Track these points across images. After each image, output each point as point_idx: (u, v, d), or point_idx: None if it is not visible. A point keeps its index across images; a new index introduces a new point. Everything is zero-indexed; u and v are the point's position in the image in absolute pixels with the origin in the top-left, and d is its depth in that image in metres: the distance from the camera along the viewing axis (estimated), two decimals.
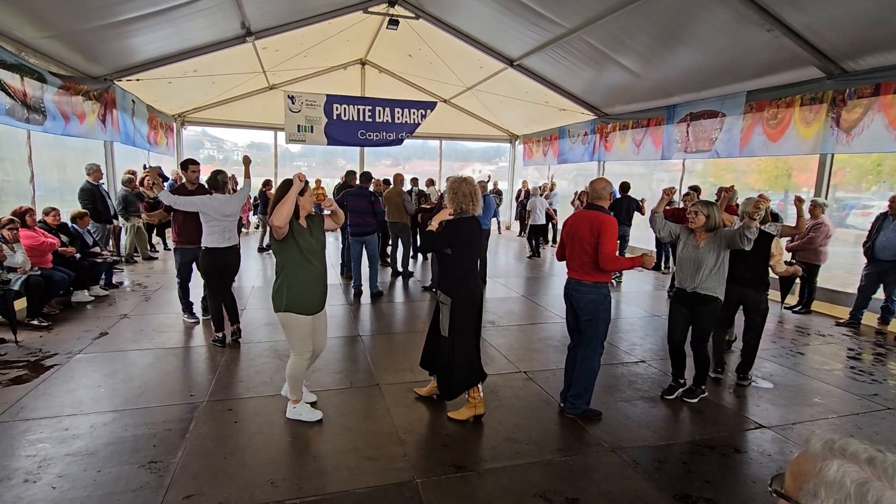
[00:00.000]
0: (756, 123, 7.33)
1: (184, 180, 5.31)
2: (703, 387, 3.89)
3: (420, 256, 10.16)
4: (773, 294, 6.91)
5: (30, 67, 5.79)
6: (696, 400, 3.84)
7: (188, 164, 5.26)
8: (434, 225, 3.34)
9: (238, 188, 6.78)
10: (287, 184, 3.12)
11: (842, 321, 6.10)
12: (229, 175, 5.79)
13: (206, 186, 5.02)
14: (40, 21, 5.70)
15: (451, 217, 3.33)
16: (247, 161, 5.21)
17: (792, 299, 6.78)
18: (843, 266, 7.49)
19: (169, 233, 11.26)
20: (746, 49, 6.56)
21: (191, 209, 4.64)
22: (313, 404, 3.57)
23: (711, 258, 3.62)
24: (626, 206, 8.37)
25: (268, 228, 7.41)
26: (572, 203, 10.48)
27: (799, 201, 4.38)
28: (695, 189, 7.18)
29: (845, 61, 6.06)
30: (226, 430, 3.25)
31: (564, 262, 3.59)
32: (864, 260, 5.89)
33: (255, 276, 8.03)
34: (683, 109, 8.69)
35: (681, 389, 3.93)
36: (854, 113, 6.03)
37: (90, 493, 2.55)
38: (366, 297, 6.84)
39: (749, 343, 4.18)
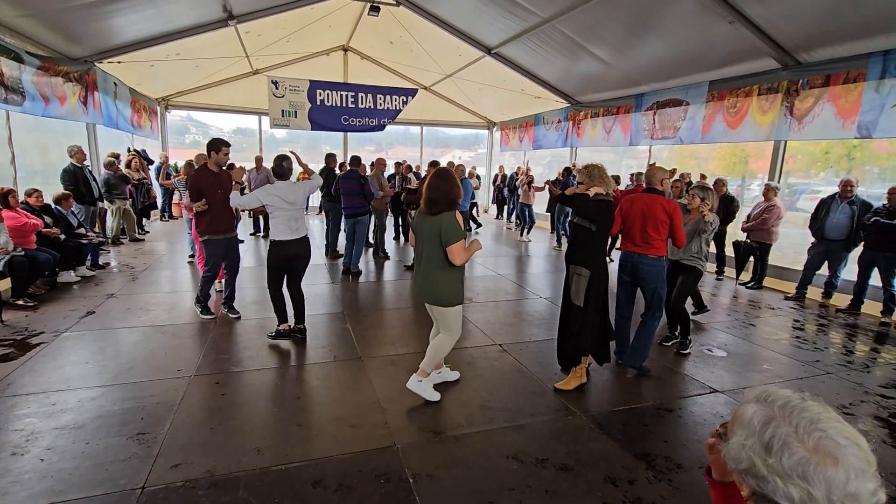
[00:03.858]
0: (717, 111, 7.41)
1: (191, 164, 5.03)
2: (689, 337, 4.29)
3: (402, 238, 10.11)
4: (729, 271, 7.12)
5: (5, 46, 5.45)
6: (687, 351, 4.25)
7: (220, 146, 4.52)
8: (593, 192, 3.33)
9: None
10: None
11: (789, 296, 6.31)
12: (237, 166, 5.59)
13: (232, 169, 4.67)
14: None
15: (602, 196, 3.36)
16: (295, 155, 4.39)
17: (746, 276, 6.98)
18: (792, 246, 7.73)
19: (153, 215, 11.00)
20: (710, 40, 6.59)
21: (258, 205, 4.10)
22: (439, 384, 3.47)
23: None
24: (569, 186, 8.73)
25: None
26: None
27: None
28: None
29: (800, 53, 6.15)
30: (213, 402, 3.20)
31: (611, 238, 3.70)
32: (812, 240, 6.08)
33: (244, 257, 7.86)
34: (651, 98, 8.73)
35: (674, 340, 4.42)
36: (806, 102, 6.14)
37: (79, 464, 2.49)
38: (349, 275, 6.77)
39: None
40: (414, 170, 11.31)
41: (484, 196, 16.03)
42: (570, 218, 3.64)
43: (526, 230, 10.51)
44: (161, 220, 11.46)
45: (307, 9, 8.77)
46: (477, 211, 15.21)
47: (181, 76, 10.99)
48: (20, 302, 4.91)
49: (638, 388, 3.63)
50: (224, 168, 4.68)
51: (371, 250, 8.51)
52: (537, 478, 2.52)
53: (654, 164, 4.44)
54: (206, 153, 4.60)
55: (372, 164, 8.61)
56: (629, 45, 7.61)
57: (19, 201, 5.51)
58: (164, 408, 3.09)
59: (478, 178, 13.89)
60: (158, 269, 6.78)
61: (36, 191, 5.86)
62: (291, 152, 4.30)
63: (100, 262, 6.72)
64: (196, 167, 6.36)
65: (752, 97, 6.86)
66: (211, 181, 4.52)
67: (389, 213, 9.85)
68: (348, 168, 7.08)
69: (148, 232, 9.62)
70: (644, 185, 3.90)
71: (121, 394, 3.25)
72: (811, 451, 0.73)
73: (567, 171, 9.72)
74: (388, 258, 8.13)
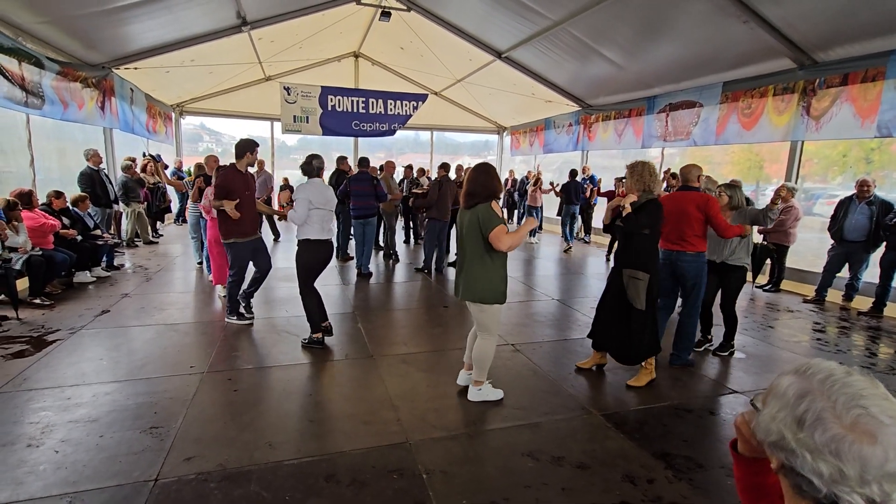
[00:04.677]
0: (731, 113, 7.33)
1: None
2: (732, 342, 4.22)
3: (412, 240, 10.11)
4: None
5: (27, 52, 5.58)
6: (726, 353, 4.20)
7: (253, 147, 4.44)
8: (628, 207, 3.30)
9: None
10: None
11: (808, 298, 6.18)
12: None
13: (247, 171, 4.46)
14: (36, 5, 5.48)
15: (639, 199, 3.34)
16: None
17: (763, 279, 6.86)
18: (810, 250, 7.58)
19: (167, 218, 11.13)
20: (724, 41, 6.53)
21: (310, 206, 3.92)
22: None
23: None
24: (573, 189, 9.52)
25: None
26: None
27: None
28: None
29: (816, 52, 6.07)
30: (225, 398, 3.20)
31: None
32: (830, 243, 5.95)
33: None
34: (663, 100, 8.68)
35: (707, 344, 4.33)
36: (823, 102, 6.05)
37: (93, 456, 2.50)
38: (361, 277, 6.78)
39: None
40: (426, 173, 11.29)
41: None
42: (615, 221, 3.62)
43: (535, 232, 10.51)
44: (175, 223, 11.60)
45: (319, 15, 8.88)
46: None
47: (195, 82, 11.18)
48: (37, 300, 4.98)
49: (655, 389, 3.56)
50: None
51: (381, 253, 8.52)
52: (553, 475, 2.47)
53: (692, 162, 4.41)
54: (236, 154, 4.41)
55: (381, 168, 8.64)
56: (641, 47, 7.58)
57: (39, 202, 5.61)
58: (177, 403, 3.09)
59: None
60: (172, 271, 6.85)
61: (61, 193, 5.97)
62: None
63: (115, 264, 6.80)
64: (207, 169, 6.43)
65: (767, 98, 6.77)
66: (240, 181, 4.38)
67: (400, 216, 9.89)
68: (359, 170, 7.12)
69: (162, 235, 9.74)
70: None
71: (134, 389, 3.26)
72: (847, 427, 0.69)
73: (573, 173, 9.66)
74: (398, 261, 8.12)
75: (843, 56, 5.84)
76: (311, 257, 4.02)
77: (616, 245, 3.62)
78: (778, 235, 6.39)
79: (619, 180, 8.22)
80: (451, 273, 7.37)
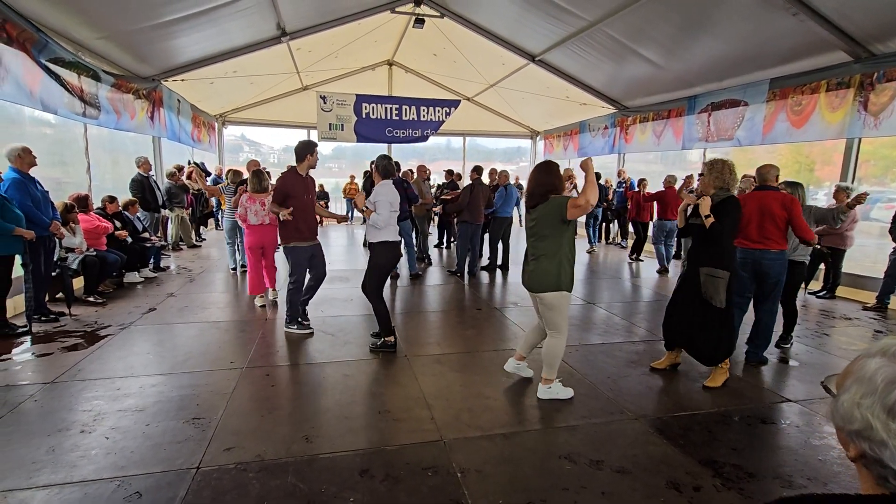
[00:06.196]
0: (779, 111, 7.01)
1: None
2: (791, 333, 4.32)
3: (445, 243, 10.14)
4: None
5: (86, 65, 5.98)
6: (788, 346, 4.29)
7: (314, 148, 4.34)
8: (706, 206, 3.31)
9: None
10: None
11: (869, 305, 5.79)
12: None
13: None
14: (94, 22, 5.87)
15: (715, 196, 3.35)
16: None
17: (816, 285, 6.48)
18: (867, 257, 7.13)
19: (210, 224, 11.61)
20: (770, 35, 6.27)
21: (388, 202, 3.88)
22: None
23: None
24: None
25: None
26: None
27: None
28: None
29: (873, 44, 5.74)
30: (264, 392, 3.28)
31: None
32: (892, 247, 5.56)
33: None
34: (705, 99, 8.40)
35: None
36: (883, 96, 5.69)
37: (140, 443, 2.60)
38: (394, 279, 6.84)
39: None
40: (453, 177, 11.23)
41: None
42: (688, 219, 3.62)
43: None
44: (217, 228, 12.07)
45: (355, 24, 9.11)
46: (521, 221, 15.13)
47: (237, 93, 11.67)
48: (91, 298, 5.28)
49: (699, 394, 3.40)
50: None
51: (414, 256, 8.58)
52: (592, 479, 2.39)
53: (769, 162, 4.40)
54: (296, 157, 4.30)
55: (410, 172, 8.73)
56: (681, 45, 7.38)
57: (94, 206, 5.97)
58: (218, 396, 3.19)
59: (520, 187, 13.84)
60: (214, 272, 7.12)
61: (114, 198, 6.34)
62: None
63: (161, 265, 7.14)
64: (243, 175, 6.63)
65: (819, 93, 6.44)
66: (300, 185, 4.30)
67: (434, 221, 9.95)
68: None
69: (205, 239, 10.16)
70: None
71: (178, 382, 3.39)
72: None
73: (597, 176, 9.46)
74: (430, 264, 8.16)
75: None
76: (388, 259, 3.99)
77: (695, 247, 3.57)
78: (833, 239, 6.02)
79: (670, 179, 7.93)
80: (485, 276, 7.33)
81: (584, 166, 3.03)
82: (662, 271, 7.92)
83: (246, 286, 6.04)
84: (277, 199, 4.24)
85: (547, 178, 3.10)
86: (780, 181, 4.03)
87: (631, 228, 9.72)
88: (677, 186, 7.68)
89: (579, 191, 3.64)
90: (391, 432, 2.79)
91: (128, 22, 6.12)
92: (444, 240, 10.24)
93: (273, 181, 6.81)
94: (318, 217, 4.71)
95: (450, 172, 10.34)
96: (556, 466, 2.49)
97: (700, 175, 3.59)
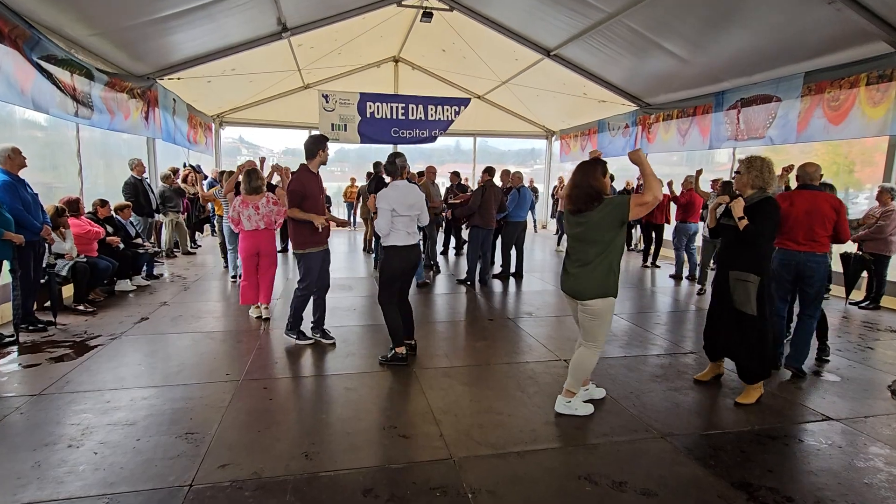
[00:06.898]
0: (815, 106, 6.95)
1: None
2: (827, 343, 4.34)
3: (453, 250, 10.15)
4: (836, 289, 6.49)
5: (79, 63, 6.11)
6: (828, 358, 4.30)
7: (325, 143, 4.18)
8: (739, 210, 3.29)
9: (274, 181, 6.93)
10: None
11: None
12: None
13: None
14: (88, 18, 6.00)
15: (751, 196, 3.35)
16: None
17: (858, 294, 6.36)
18: None
19: (206, 229, 11.73)
20: (804, 26, 6.24)
21: (393, 215, 3.80)
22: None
23: None
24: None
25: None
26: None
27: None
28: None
29: None
30: (261, 406, 3.28)
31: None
32: None
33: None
34: (734, 95, 8.35)
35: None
36: None
37: (130, 458, 2.62)
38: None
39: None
40: (460, 179, 11.19)
41: (542, 210, 15.86)
42: (719, 220, 3.62)
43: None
44: (212, 234, 12.20)
45: (359, 19, 9.22)
46: (535, 226, 15.13)
47: (235, 92, 11.85)
48: (81, 307, 5.35)
49: (731, 411, 3.35)
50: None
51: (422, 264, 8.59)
52: (615, 501, 2.35)
53: (811, 161, 4.44)
54: (306, 154, 4.16)
55: (420, 174, 8.76)
56: (708, 37, 7.36)
57: (85, 210, 6.07)
58: (213, 409, 3.20)
59: (534, 190, 13.83)
60: (209, 280, 7.19)
61: (106, 202, 6.44)
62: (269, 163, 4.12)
63: (154, 273, 7.22)
64: (239, 176, 6.64)
65: (858, 87, 6.37)
66: (314, 184, 4.14)
67: (442, 227, 9.95)
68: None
69: (200, 245, 10.27)
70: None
71: (171, 394, 3.41)
72: None
73: (611, 178, 9.37)
74: (439, 272, 8.16)
75: None
76: (397, 264, 3.90)
77: (726, 250, 3.55)
78: (876, 244, 5.92)
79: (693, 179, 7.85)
80: (497, 285, 7.31)
81: (636, 159, 2.89)
82: (676, 278, 7.94)
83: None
84: (294, 202, 4.05)
85: (582, 178, 2.99)
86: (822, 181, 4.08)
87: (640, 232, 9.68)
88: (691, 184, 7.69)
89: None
90: (397, 449, 2.78)
91: (123, 18, 6.26)
92: (450, 246, 10.23)
93: (273, 181, 6.87)
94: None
95: (455, 174, 10.35)
96: (576, 487, 2.46)
97: (736, 173, 3.53)
